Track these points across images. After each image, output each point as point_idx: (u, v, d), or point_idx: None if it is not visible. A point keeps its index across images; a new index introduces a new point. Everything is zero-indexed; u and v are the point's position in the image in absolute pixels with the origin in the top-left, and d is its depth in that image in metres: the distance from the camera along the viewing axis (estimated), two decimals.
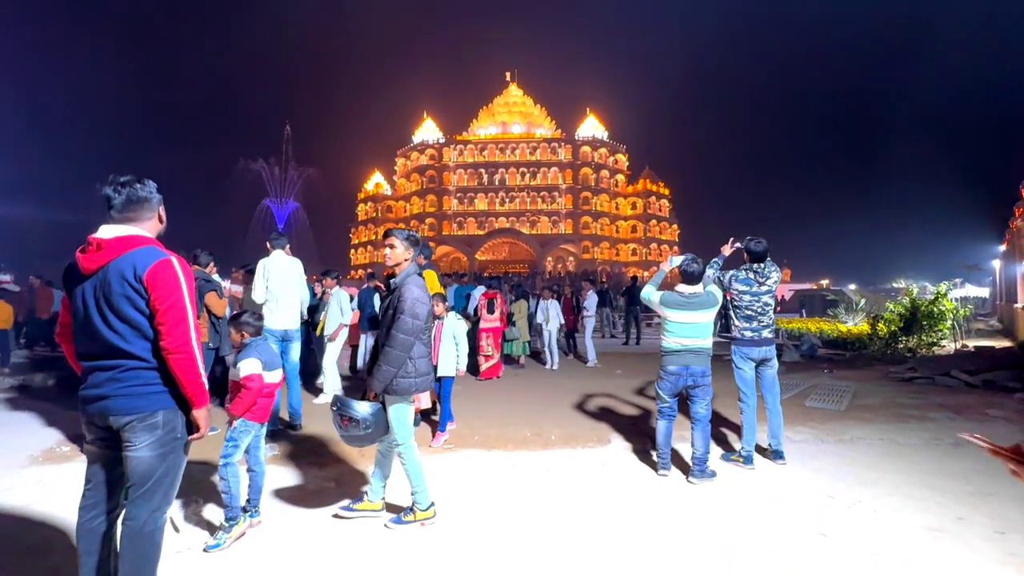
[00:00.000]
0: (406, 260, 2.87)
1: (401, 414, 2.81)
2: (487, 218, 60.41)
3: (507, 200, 60.59)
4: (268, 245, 4.98)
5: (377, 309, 6.14)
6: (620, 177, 64.89)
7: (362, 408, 2.71)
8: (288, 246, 4.90)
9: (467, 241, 58.97)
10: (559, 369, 8.32)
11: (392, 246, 2.89)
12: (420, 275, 2.88)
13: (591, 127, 65.01)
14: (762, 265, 4.00)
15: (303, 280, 4.86)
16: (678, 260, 3.81)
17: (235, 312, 3.41)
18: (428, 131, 65.17)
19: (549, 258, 58.79)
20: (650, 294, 3.78)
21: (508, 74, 68.58)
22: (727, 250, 4.24)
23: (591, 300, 8.79)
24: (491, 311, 7.47)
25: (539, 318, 8.48)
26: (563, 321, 8.93)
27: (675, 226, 65.83)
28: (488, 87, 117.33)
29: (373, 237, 63.89)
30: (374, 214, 64.69)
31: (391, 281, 2.88)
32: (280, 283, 4.70)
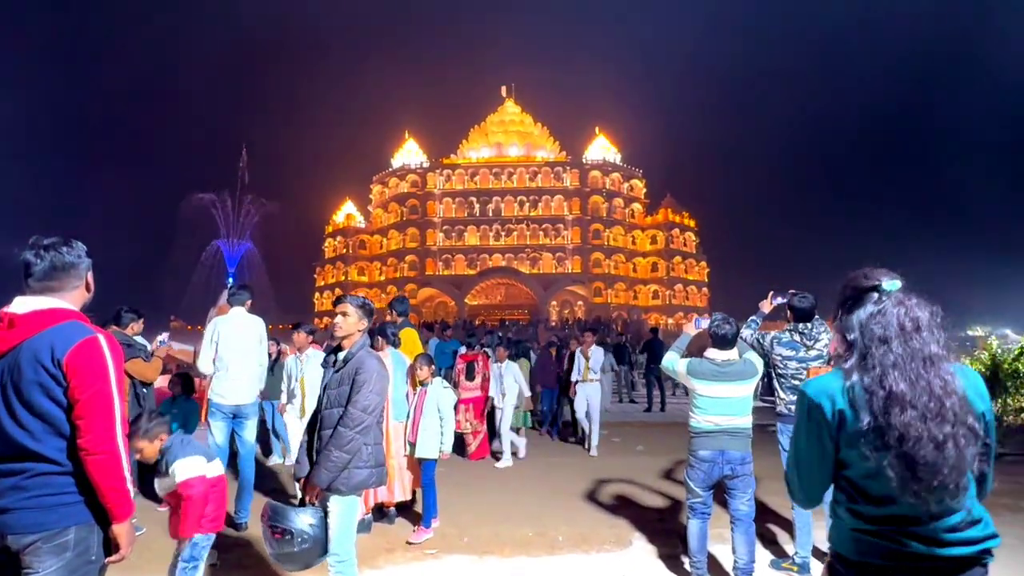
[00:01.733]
0: (359, 331, 2.92)
1: (348, 516, 2.72)
2: (479, 255, 60.91)
3: (503, 234, 61.29)
4: (224, 301, 5.01)
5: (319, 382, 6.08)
6: (636, 206, 65.92)
7: (301, 519, 2.60)
8: (250, 301, 4.91)
9: (455, 282, 59.26)
10: (566, 444, 8.26)
11: (345, 314, 2.94)
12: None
13: (601, 149, 66.57)
14: (809, 325, 3.99)
15: (264, 344, 4.83)
16: (704, 323, 3.81)
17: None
18: (410, 153, 66.55)
19: (553, 302, 59.02)
20: (674, 363, 3.77)
21: (504, 88, 70.95)
22: (767, 306, 4.27)
23: (596, 356, 7.78)
24: (470, 377, 7.41)
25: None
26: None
27: (703, 263, 66.41)
28: (480, 103, 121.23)
29: (343, 277, 64.34)
30: (344, 250, 65.30)
31: (338, 354, 2.91)
32: (234, 348, 4.65)
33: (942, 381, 1.36)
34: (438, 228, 62.00)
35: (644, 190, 67.46)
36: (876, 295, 1.47)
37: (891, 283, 1.47)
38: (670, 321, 58.74)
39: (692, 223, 66.46)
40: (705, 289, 66.12)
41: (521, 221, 61.13)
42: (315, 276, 68.50)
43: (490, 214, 61.76)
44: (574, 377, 7.82)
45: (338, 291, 63.70)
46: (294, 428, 5.59)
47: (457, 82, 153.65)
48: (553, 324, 54.66)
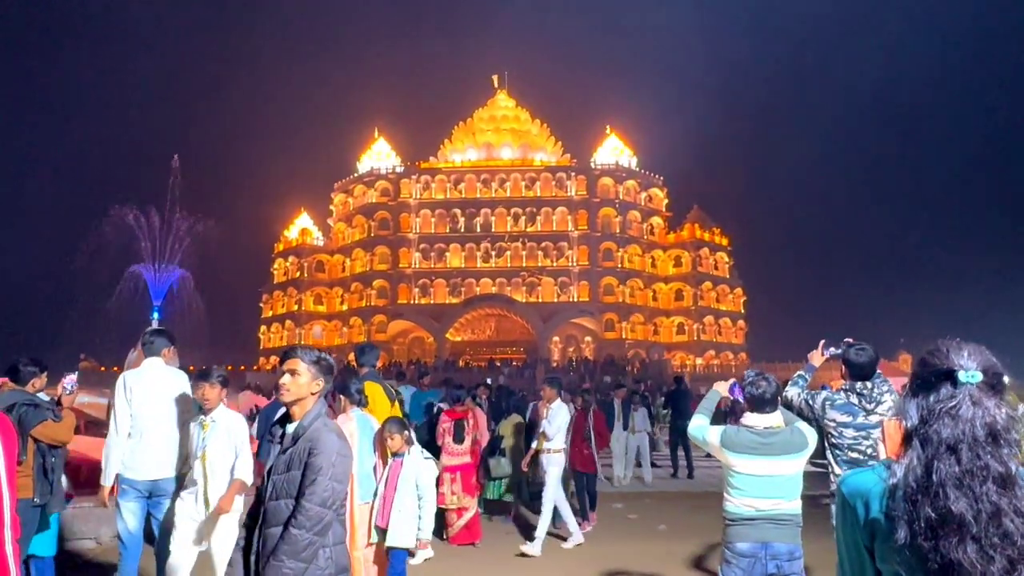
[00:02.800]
0: (312, 395, 2.72)
1: None
2: (464, 280, 61.03)
3: (493, 254, 61.50)
4: (138, 349, 4.90)
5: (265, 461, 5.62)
6: (657, 221, 66.56)
7: None
8: (171, 348, 4.82)
9: (434, 314, 59.30)
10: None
11: (294, 373, 2.70)
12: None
13: (613, 151, 67.40)
14: (869, 384, 4.00)
15: (187, 402, 4.73)
16: (724, 387, 3.78)
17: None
18: (380, 155, 67.23)
19: (556, 338, 59.20)
20: (702, 432, 3.74)
21: (495, 78, 72.16)
22: (817, 358, 4.30)
23: (557, 416, 7.07)
24: (459, 439, 7.29)
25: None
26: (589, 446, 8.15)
27: (738, 290, 66.81)
28: (467, 95, 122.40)
29: (295, 307, 64.33)
30: (297, 273, 65.40)
31: (286, 427, 2.71)
32: (149, 410, 4.58)
33: (1020, 514, 1.30)
34: (414, 246, 62.24)
35: (666, 201, 68.15)
36: (949, 384, 1.43)
37: (970, 374, 1.44)
38: (698, 362, 58.86)
39: (725, 241, 66.91)
40: (741, 323, 66.46)
41: (516, 238, 61.48)
42: (260, 306, 68.57)
43: (478, 229, 62.07)
44: (536, 445, 7.27)
45: (289, 324, 63.71)
46: (185, 534, 4.45)
47: (438, 69, 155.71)
48: (556, 365, 55.10)
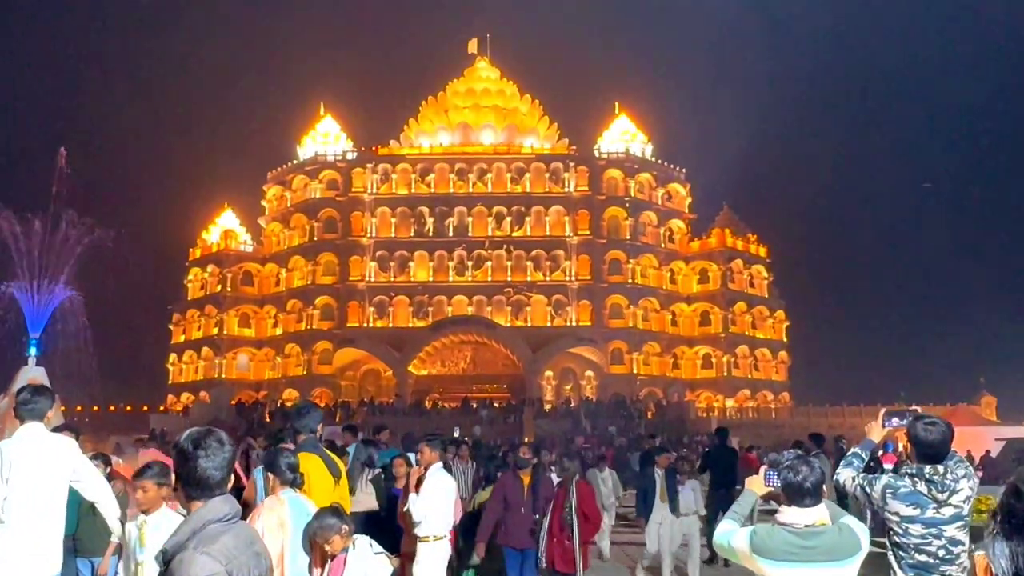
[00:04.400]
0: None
1: None
2: (432, 297, 60.99)
3: (470, 264, 61.53)
4: (7, 407, 5.01)
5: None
6: (678, 224, 66.88)
7: None
8: (55, 409, 4.86)
9: (394, 340, 59.10)
10: None
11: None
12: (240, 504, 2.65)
13: (623, 136, 67.75)
14: (941, 469, 4.02)
15: (88, 475, 4.76)
16: (759, 483, 3.81)
17: None
18: (327, 138, 67.32)
19: (549, 373, 59.03)
20: (729, 537, 3.75)
21: (473, 43, 72.66)
22: (876, 432, 4.37)
23: (433, 490, 6.72)
24: None
25: None
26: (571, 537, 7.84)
27: (779, 313, 67.20)
28: (438, 64, 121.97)
29: (215, 330, 64.03)
30: (218, 287, 65.11)
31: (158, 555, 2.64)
32: (22, 493, 4.56)
33: None
34: (368, 254, 62.12)
35: (689, 200, 68.42)
36: None
37: None
38: (729, 404, 58.91)
39: (763, 251, 67.12)
40: (783, 354, 66.71)
41: (499, 245, 61.45)
42: (172, 328, 68.10)
43: (450, 233, 62.04)
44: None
45: (207, 353, 63.30)
46: None
47: (402, 30, 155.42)
48: (548, 406, 53.28)
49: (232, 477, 2.73)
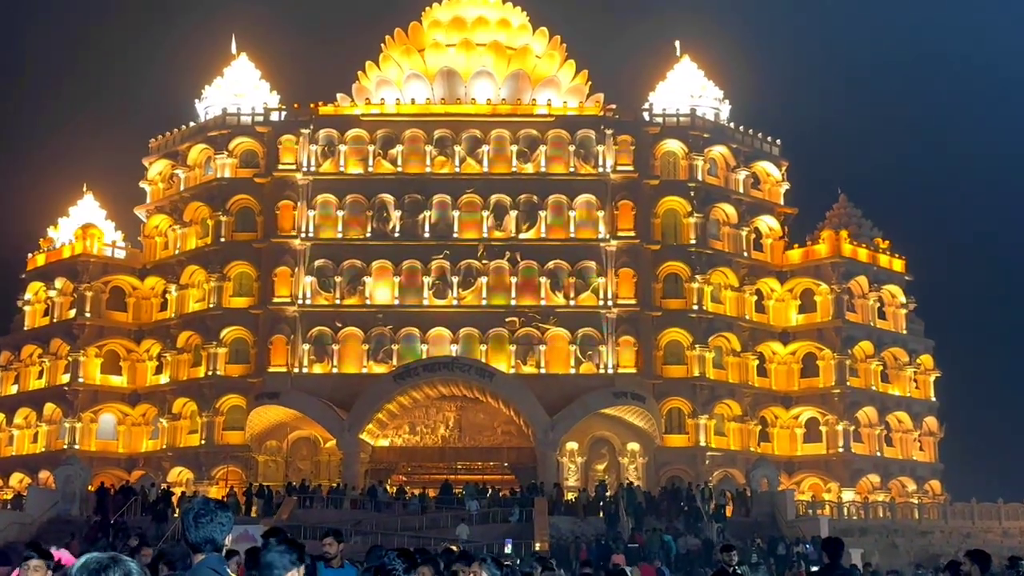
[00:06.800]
0: None
1: None
2: (398, 330, 60.66)
3: (455, 281, 61.12)
4: None
5: None
6: (768, 222, 66.79)
7: None
8: None
9: (340, 394, 58.35)
10: None
11: None
12: None
13: (686, 90, 67.35)
14: None
15: None
16: None
17: None
18: (241, 88, 67.17)
19: (572, 445, 58.58)
20: None
21: None
22: None
23: None
24: None
25: None
26: None
27: (926, 359, 66.82)
28: None
29: (63, 378, 63.05)
30: (70, 312, 64.42)
31: None
32: None
33: None
34: (301, 264, 61.75)
35: (786, 186, 68.49)
36: None
37: None
38: (848, 496, 58.34)
39: (899, 264, 67.29)
40: (931, 422, 66.04)
41: (499, 252, 61.27)
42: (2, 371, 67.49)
43: (425, 233, 61.97)
44: None
45: (53, 411, 62.45)
46: None
47: None
48: (572, 495, 54.35)
49: None
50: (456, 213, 61.63)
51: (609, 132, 63.02)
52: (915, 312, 66.97)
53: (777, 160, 67.61)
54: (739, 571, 13.46)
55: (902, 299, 66.35)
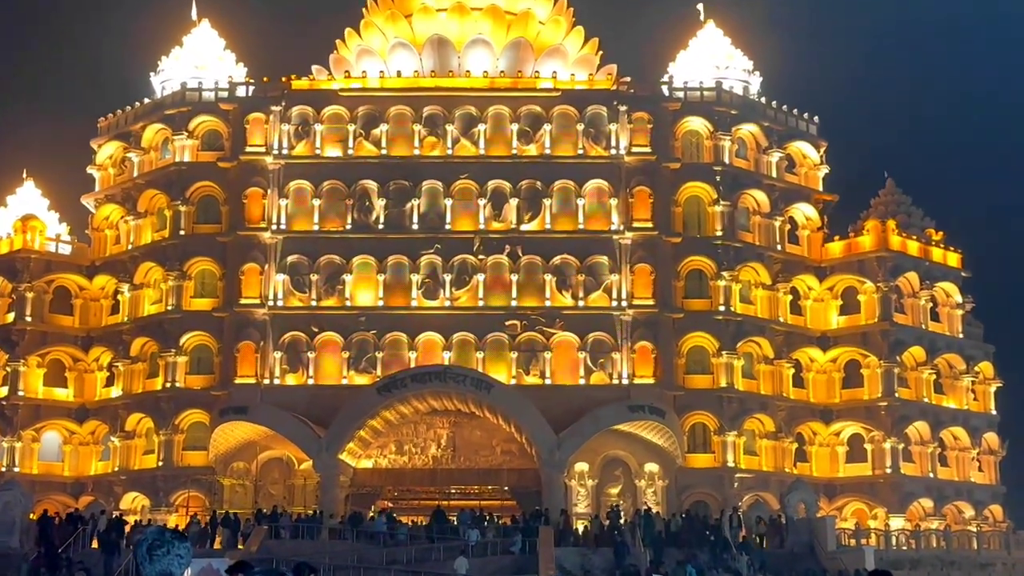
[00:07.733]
0: None
1: None
2: (384, 335, 60.89)
3: (447, 279, 61.45)
4: None
5: None
6: (806, 212, 67.12)
7: None
8: None
9: (316, 409, 58.34)
10: None
11: None
12: None
13: (710, 61, 67.81)
14: None
15: None
16: None
17: None
18: (202, 59, 67.46)
19: (582, 466, 58.88)
20: None
21: None
22: None
23: None
24: None
25: None
26: None
27: (985, 367, 66.89)
28: None
29: (5, 368, 63.20)
30: (9, 316, 64.53)
31: None
32: None
33: None
34: (272, 259, 62.02)
35: (825, 170, 68.68)
36: None
37: None
38: (896, 523, 58.43)
39: (954, 259, 67.38)
40: (991, 438, 66.18)
41: (498, 245, 61.63)
42: None
43: (413, 224, 62.31)
44: None
45: None
46: None
47: None
48: (582, 523, 53.91)
49: None
50: (448, 202, 61.93)
51: (623, 108, 63.12)
52: (973, 313, 67.17)
53: (815, 140, 67.93)
54: None
55: (958, 298, 66.52)
